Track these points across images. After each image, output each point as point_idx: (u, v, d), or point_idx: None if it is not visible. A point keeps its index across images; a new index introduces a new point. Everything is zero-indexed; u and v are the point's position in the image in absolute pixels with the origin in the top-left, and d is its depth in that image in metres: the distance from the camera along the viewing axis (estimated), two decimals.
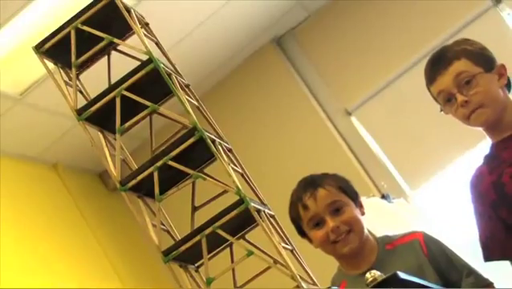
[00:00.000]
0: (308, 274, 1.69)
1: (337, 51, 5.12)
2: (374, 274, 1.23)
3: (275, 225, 1.70)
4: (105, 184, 5.25)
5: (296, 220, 2.53)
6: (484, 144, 2.56)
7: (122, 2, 1.59)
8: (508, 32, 4.83)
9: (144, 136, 4.36)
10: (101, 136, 1.66)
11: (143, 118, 1.61)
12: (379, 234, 2.94)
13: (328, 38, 5.14)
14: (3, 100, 4.16)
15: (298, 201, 2.55)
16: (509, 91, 2.51)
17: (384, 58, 4.99)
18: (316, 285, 1.67)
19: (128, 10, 1.62)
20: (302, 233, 2.55)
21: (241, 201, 1.53)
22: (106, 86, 1.71)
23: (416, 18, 4.97)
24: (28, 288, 4.01)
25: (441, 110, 2.47)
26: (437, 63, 2.46)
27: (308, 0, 5.07)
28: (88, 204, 4.95)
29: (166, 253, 1.55)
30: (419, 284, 1.27)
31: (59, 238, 4.56)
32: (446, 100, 2.43)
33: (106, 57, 1.82)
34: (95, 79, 1.88)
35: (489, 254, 2.44)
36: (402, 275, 1.19)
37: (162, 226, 1.67)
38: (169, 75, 1.61)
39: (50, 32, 1.64)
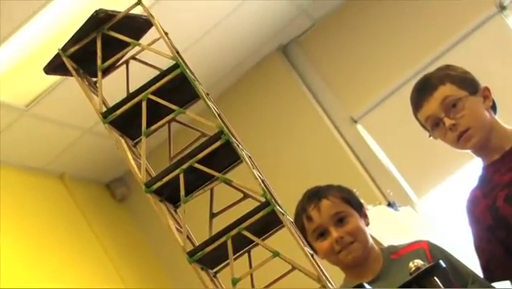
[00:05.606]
0: (327, 279, 1.70)
1: (342, 59, 5.14)
2: (417, 264, 1.25)
3: (295, 230, 1.72)
4: (112, 194, 5.25)
5: (301, 231, 2.55)
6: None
7: (146, 9, 1.63)
8: None
9: (150, 147, 4.38)
10: (122, 140, 1.68)
11: (167, 122, 1.63)
12: (385, 242, 2.94)
13: (333, 46, 5.17)
14: (9, 112, 4.17)
15: (303, 212, 2.58)
16: (495, 112, 2.54)
17: (390, 65, 5.01)
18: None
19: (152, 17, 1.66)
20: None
21: (266, 204, 1.54)
22: (119, 94, 1.72)
23: (420, 26, 4.99)
24: None
25: (430, 136, 2.51)
26: (422, 90, 2.50)
27: (312, 8, 5.09)
28: (95, 214, 4.95)
29: (191, 254, 1.56)
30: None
31: (66, 249, 4.57)
32: (434, 125, 2.47)
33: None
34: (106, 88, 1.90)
35: (491, 277, 2.48)
36: (444, 264, 1.22)
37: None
38: (193, 81, 1.64)
39: (72, 35, 1.66)
